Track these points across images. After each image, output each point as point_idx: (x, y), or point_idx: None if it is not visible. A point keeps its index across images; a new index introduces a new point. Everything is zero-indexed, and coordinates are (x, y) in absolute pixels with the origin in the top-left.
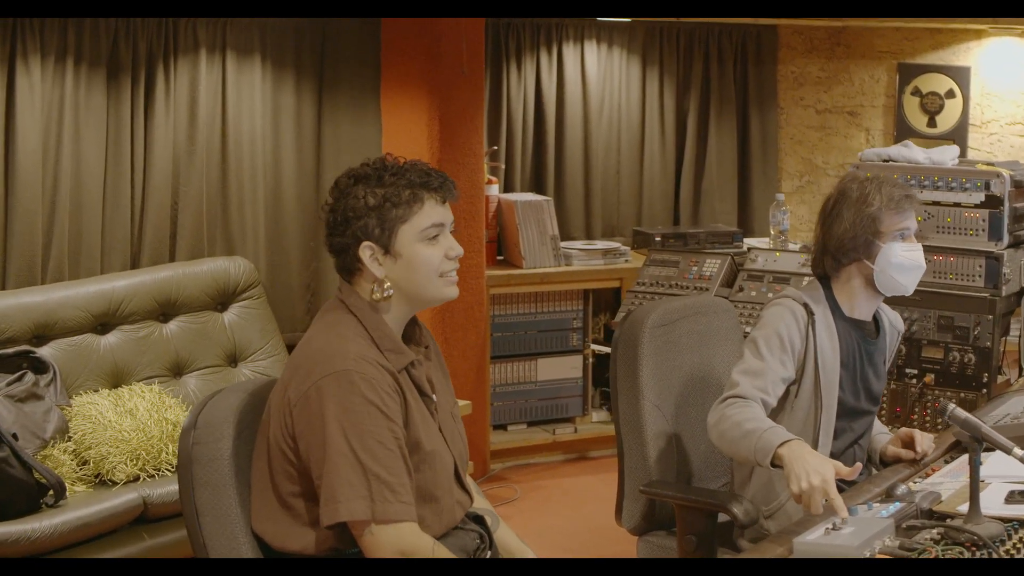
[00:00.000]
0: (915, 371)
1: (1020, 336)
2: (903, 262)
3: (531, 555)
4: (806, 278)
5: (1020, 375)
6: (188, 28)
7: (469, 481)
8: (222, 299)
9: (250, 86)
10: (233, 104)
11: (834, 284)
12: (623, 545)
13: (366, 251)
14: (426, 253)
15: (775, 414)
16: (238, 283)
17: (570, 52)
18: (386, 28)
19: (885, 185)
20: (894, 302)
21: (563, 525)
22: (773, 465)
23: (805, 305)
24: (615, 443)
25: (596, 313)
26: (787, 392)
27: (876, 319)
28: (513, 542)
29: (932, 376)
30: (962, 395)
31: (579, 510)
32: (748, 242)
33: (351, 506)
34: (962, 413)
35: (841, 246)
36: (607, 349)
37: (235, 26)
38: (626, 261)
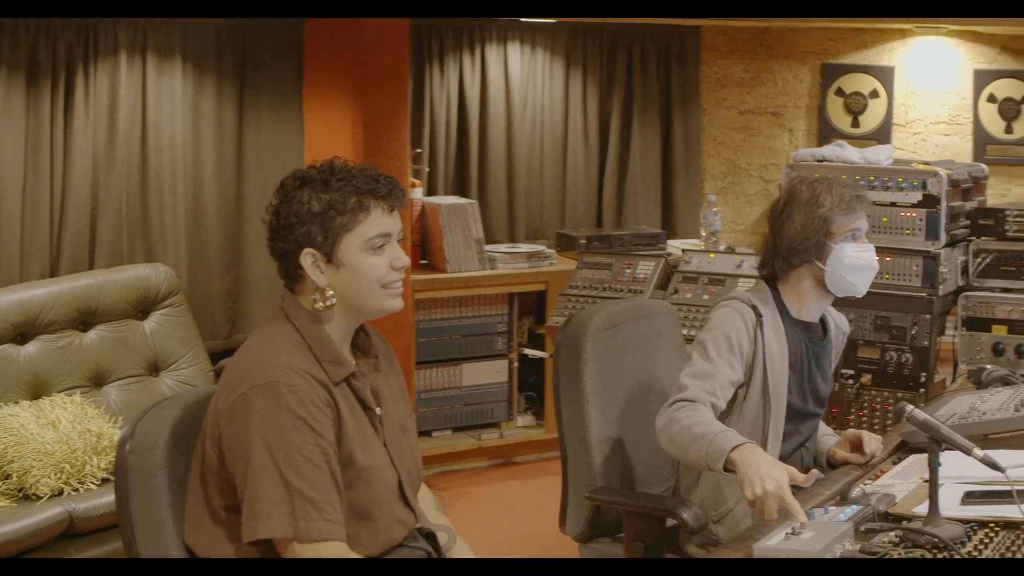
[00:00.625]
0: (852, 371)
1: (955, 335)
2: (855, 263)
3: None
4: (741, 279)
5: (955, 375)
6: (108, 30)
7: (426, 495)
8: (143, 307)
9: (171, 89)
10: (153, 107)
11: (782, 286)
12: (559, 551)
13: (308, 258)
14: (369, 263)
15: (723, 418)
16: (159, 290)
17: (493, 53)
18: (309, 29)
19: (835, 186)
20: (835, 302)
21: (495, 532)
22: (726, 470)
23: (753, 307)
24: (541, 448)
25: (520, 317)
26: (735, 395)
27: (823, 321)
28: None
29: (869, 376)
30: (899, 395)
31: (509, 516)
32: (673, 244)
33: (271, 523)
34: (921, 414)
35: (792, 248)
36: (542, 353)
37: (155, 28)
38: (551, 264)
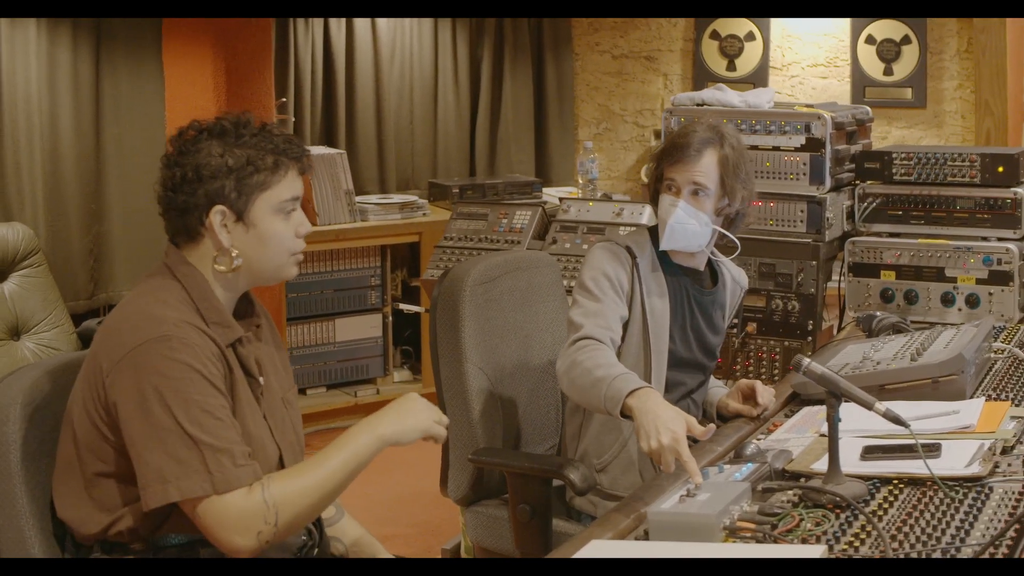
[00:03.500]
0: (737, 320)
1: (842, 281)
2: (662, 215)
3: (382, 551)
4: (621, 227)
5: (841, 321)
6: None
7: None
8: (1, 268)
9: (24, 40)
10: (7, 61)
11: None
12: (442, 511)
13: (217, 216)
14: (279, 227)
15: None
16: (17, 250)
17: None
18: None
19: (697, 130)
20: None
21: (376, 494)
22: (623, 415)
23: (627, 248)
24: None
25: (393, 269)
26: None
27: (714, 270)
28: (358, 535)
29: (754, 325)
30: (786, 343)
31: (391, 476)
32: (548, 192)
33: (184, 484)
34: (819, 368)
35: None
36: (417, 308)
37: None
38: (424, 215)
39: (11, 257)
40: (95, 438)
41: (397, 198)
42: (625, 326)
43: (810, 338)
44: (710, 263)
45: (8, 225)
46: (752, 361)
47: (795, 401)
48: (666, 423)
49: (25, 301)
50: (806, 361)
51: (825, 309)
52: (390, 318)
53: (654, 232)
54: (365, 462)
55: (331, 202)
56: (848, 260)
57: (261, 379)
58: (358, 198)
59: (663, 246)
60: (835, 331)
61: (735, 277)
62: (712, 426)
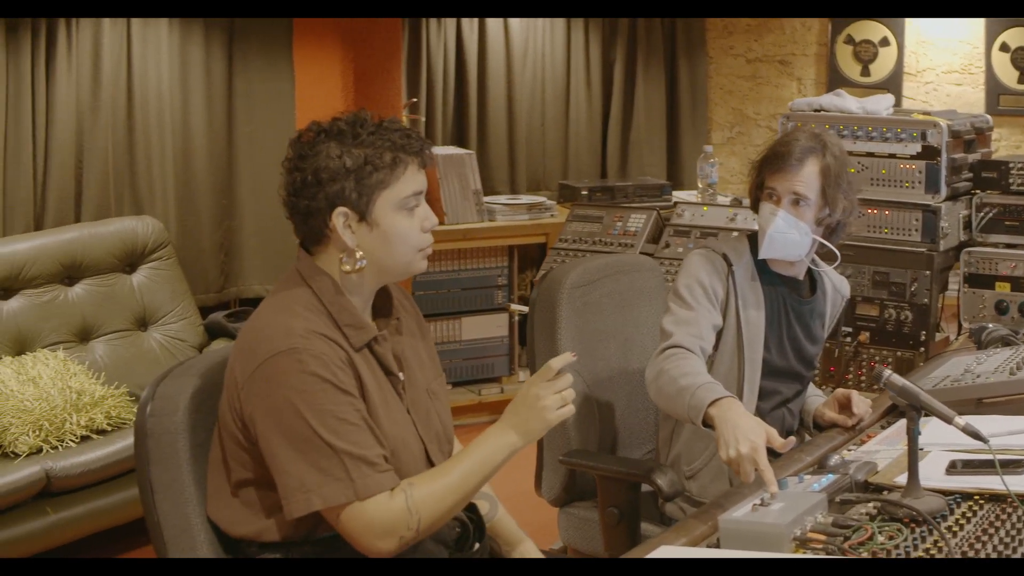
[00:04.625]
0: (849, 329)
1: (959, 292)
2: (761, 223)
3: (530, 547)
4: (735, 233)
5: (959, 333)
6: None
7: None
8: (130, 260)
9: (156, 38)
10: (139, 57)
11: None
12: (548, 513)
13: (340, 218)
14: (404, 224)
15: None
16: (146, 243)
17: None
18: None
19: (800, 137)
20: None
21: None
22: (705, 425)
23: (724, 256)
24: None
25: (522, 270)
26: None
27: (814, 279)
28: (509, 530)
29: (867, 334)
30: (899, 354)
31: (506, 475)
32: (677, 195)
33: (326, 491)
34: (899, 380)
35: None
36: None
37: None
38: (552, 216)
39: (140, 249)
40: (235, 445)
41: (525, 199)
42: (719, 334)
43: (923, 349)
44: (810, 271)
45: (138, 219)
46: (864, 370)
47: (893, 413)
48: (745, 433)
49: (153, 293)
50: (887, 373)
51: (946, 319)
52: (516, 317)
53: (754, 239)
54: (497, 467)
55: (459, 201)
56: (964, 271)
57: (401, 375)
58: (488, 198)
59: (762, 254)
60: (951, 342)
61: (836, 286)
62: (792, 439)
